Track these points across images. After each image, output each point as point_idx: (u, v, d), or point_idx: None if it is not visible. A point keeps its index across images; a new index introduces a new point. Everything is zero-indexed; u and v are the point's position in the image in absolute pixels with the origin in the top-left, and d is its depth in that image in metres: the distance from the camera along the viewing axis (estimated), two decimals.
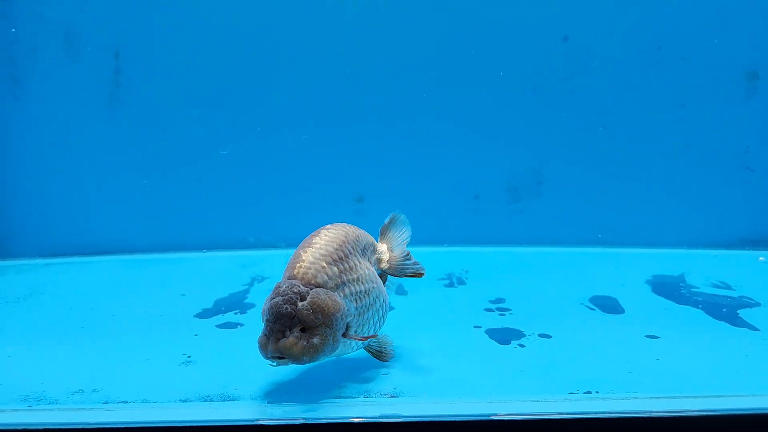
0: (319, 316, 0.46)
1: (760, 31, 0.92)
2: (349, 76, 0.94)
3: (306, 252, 0.49)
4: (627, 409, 0.46)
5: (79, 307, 0.72)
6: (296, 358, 0.45)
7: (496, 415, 0.45)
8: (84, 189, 0.95)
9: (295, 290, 0.46)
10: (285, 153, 0.96)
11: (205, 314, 0.69)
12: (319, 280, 0.48)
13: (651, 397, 0.47)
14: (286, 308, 0.45)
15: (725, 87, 0.95)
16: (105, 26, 0.90)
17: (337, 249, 0.50)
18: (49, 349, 0.59)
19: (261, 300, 0.73)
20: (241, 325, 0.66)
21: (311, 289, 0.47)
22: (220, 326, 0.66)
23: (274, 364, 0.47)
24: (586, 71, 0.94)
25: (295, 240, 1.01)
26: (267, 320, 0.46)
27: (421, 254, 0.99)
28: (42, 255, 0.95)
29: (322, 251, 0.49)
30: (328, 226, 0.54)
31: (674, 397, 0.47)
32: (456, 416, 0.45)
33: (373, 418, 0.45)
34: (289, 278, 0.47)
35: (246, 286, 0.80)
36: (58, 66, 0.91)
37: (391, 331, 0.63)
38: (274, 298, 0.46)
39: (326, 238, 0.51)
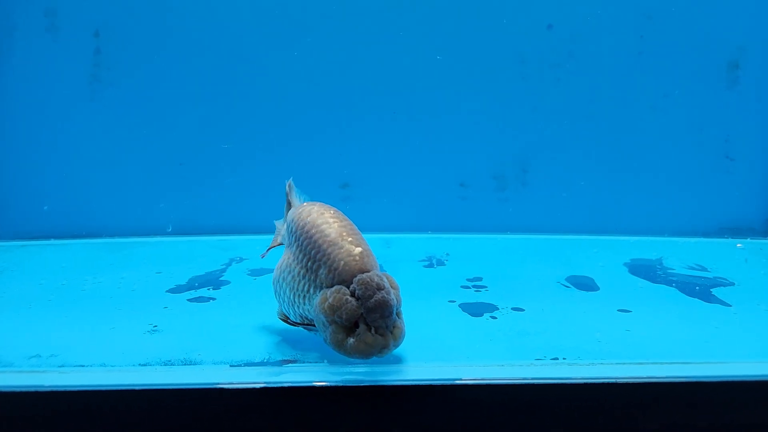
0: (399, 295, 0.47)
1: (740, 21, 0.93)
2: (335, 65, 0.93)
3: (350, 242, 0.47)
4: (592, 375, 0.45)
5: (50, 283, 0.71)
6: (399, 344, 0.45)
7: (461, 379, 0.45)
8: (64, 172, 0.94)
9: (384, 281, 0.45)
10: (271, 138, 0.96)
11: (177, 290, 0.68)
12: (375, 263, 0.47)
13: (617, 363, 0.47)
14: (391, 299, 0.45)
15: (707, 77, 0.95)
16: (85, 4, 0.89)
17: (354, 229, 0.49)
18: (11, 320, 0.58)
19: (237, 278, 0.74)
20: (213, 299, 0.65)
21: (384, 274, 0.47)
22: (191, 300, 0.65)
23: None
24: (572, 60, 0.95)
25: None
26: (380, 317, 0.44)
27: (405, 240, 1.00)
28: (19, 238, 0.94)
29: (357, 235, 0.48)
30: (318, 209, 0.50)
31: (640, 363, 0.47)
32: (422, 380, 0.45)
33: (335, 382, 0.44)
34: (354, 275, 0.45)
35: (224, 266, 0.79)
36: (37, 45, 0.90)
37: None
38: (375, 294, 0.44)
39: (341, 222, 0.48)
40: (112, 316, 0.59)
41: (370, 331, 0.44)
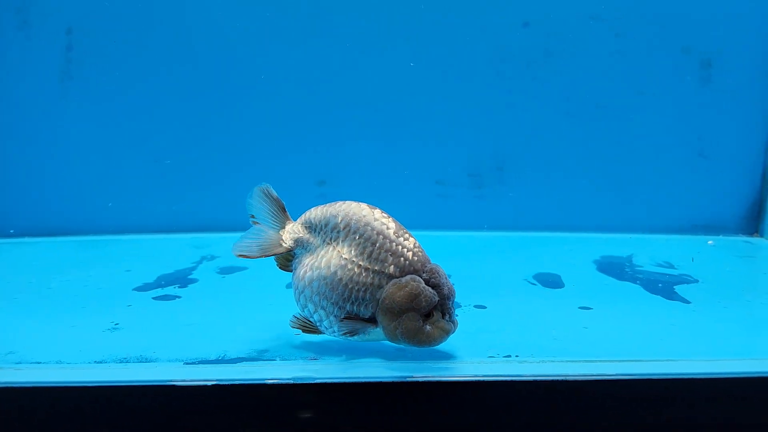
0: None
1: (713, 20, 0.93)
2: (311, 61, 0.94)
3: (409, 235, 0.49)
4: (541, 373, 0.46)
5: (18, 282, 0.71)
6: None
7: (412, 377, 0.45)
8: (35, 169, 0.93)
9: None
10: (247, 136, 0.96)
11: (144, 288, 0.68)
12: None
13: (566, 361, 0.48)
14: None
15: (680, 75, 0.95)
16: (56, 1, 0.89)
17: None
18: None
19: (205, 277, 0.74)
20: (179, 297, 0.65)
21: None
22: (156, 298, 0.65)
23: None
24: (548, 58, 0.95)
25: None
26: (449, 303, 0.47)
27: None
28: None
29: (407, 231, 0.50)
30: (365, 206, 0.50)
31: (588, 361, 0.47)
32: (368, 378, 0.45)
33: (287, 379, 0.45)
34: (424, 264, 0.48)
35: (194, 264, 0.79)
36: (8, 42, 0.90)
37: None
38: (446, 282, 0.47)
39: (391, 218, 0.50)
40: (75, 314, 0.59)
41: (444, 317, 0.47)
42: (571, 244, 0.92)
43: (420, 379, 0.45)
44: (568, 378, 0.45)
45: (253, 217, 0.52)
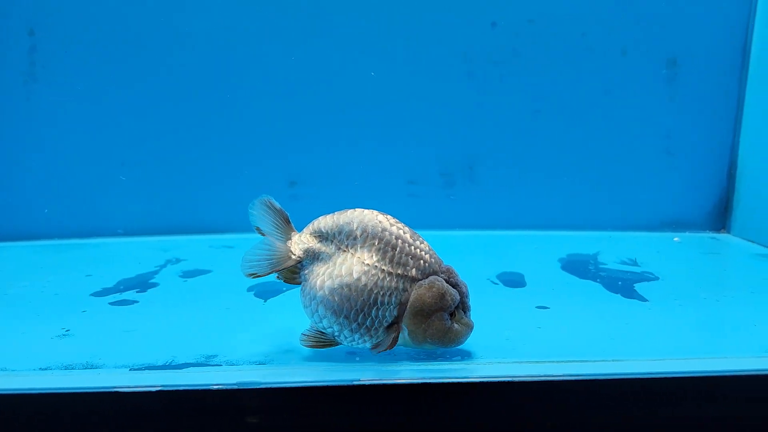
0: None
1: (678, 19, 0.94)
2: (283, 64, 0.93)
3: (422, 241, 0.50)
4: (492, 374, 0.46)
5: None
6: None
7: (359, 380, 0.45)
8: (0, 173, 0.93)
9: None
10: (215, 136, 0.95)
11: (103, 293, 0.68)
12: None
13: (514, 362, 0.48)
14: None
15: (647, 74, 0.96)
16: (18, 2, 0.88)
17: None
18: None
19: (166, 281, 0.73)
20: (136, 302, 0.65)
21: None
22: (113, 303, 0.64)
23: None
24: (516, 58, 0.95)
25: (225, 226, 1.00)
26: (468, 301, 0.50)
27: None
28: None
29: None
30: (378, 214, 0.50)
31: (537, 362, 0.48)
32: (315, 382, 0.45)
33: (232, 385, 0.44)
34: (440, 265, 0.50)
35: (157, 268, 0.78)
36: None
37: (286, 307, 0.63)
38: (460, 280, 0.50)
39: (402, 224, 0.50)
40: (27, 320, 0.59)
41: (466, 314, 0.49)
42: (540, 242, 0.92)
43: (366, 383, 0.45)
44: (515, 379, 0.45)
45: (259, 229, 0.50)
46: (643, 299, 0.64)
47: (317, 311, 0.48)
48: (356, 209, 0.50)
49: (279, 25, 0.92)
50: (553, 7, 0.94)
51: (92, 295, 0.67)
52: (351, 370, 0.47)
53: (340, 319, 0.47)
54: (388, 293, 0.47)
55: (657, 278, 0.72)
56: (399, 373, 0.46)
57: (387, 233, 0.48)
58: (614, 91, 0.97)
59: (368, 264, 0.47)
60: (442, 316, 0.47)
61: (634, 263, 0.79)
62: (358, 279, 0.47)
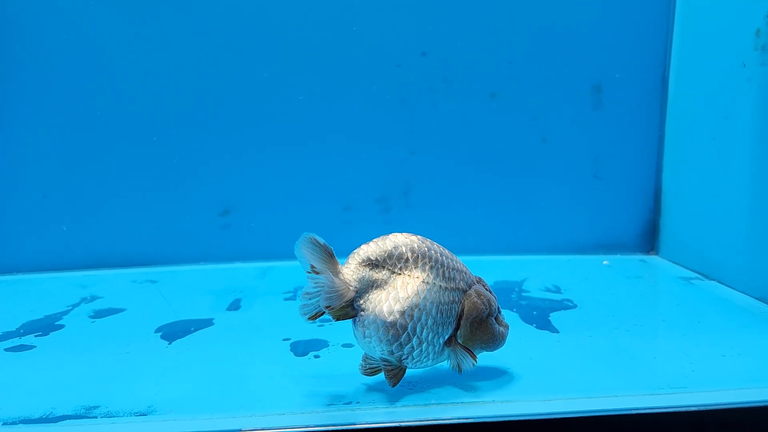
0: None
1: (601, 47, 0.97)
2: (212, 88, 0.92)
3: (455, 256, 0.53)
4: (375, 420, 0.44)
5: None
6: None
7: (241, 430, 0.43)
8: None
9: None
10: (142, 164, 0.93)
11: (2, 337, 0.64)
12: None
13: (389, 408, 0.47)
14: None
15: (573, 100, 0.98)
16: None
17: None
18: None
19: (74, 322, 0.69)
20: (34, 347, 0.61)
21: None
22: (9, 349, 0.61)
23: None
24: (446, 84, 0.96)
25: (150, 259, 0.97)
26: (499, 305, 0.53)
27: (284, 268, 0.98)
28: None
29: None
30: (417, 236, 0.51)
31: (419, 406, 0.47)
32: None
33: None
34: (473, 275, 0.53)
35: (69, 307, 0.75)
36: None
37: (191, 349, 0.61)
38: (490, 287, 0.53)
39: (434, 242, 0.52)
40: None
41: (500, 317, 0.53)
42: (473, 267, 0.91)
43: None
44: (409, 425, 0.44)
45: (313, 267, 0.47)
46: (555, 330, 0.64)
47: (387, 338, 0.48)
48: (394, 234, 0.51)
49: (209, 51, 0.91)
50: (480, 36, 0.95)
51: None
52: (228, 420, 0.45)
53: (412, 340, 0.48)
54: (447, 307, 0.50)
55: (575, 306, 0.72)
56: (280, 420, 0.45)
57: (431, 251, 0.50)
58: (542, 117, 0.98)
59: (428, 282, 0.49)
60: (492, 321, 0.51)
61: (558, 290, 0.79)
62: (425, 297, 0.48)
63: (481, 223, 0.99)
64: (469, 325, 0.50)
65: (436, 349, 0.49)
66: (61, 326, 0.68)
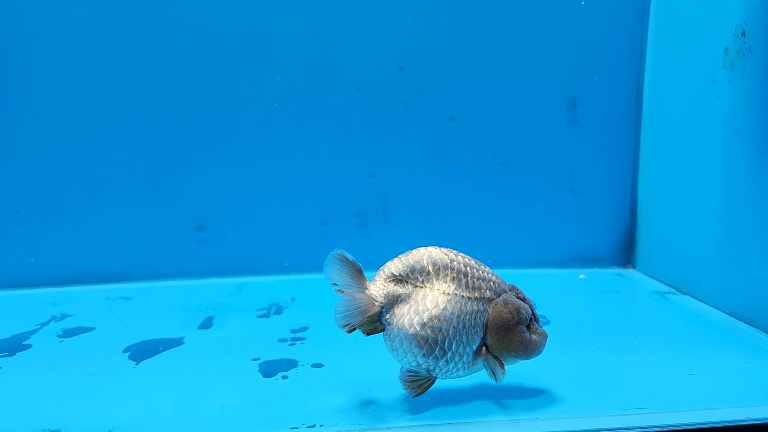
0: None
1: (575, 63, 0.98)
2: (189, 101, 0.91)
3: (484, 265, 0.53)
4: None
5: None
6: None
7: None
8: None
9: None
10: (116, 179, 0.92)
11: None
12: None
13: (369, 430, 0.46)
14: None
15: (549, 115, 0.99)
16: None
17: None
18: None
19: (42, 342, 0.68)
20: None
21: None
22: None
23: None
24: (423, 99, 0.96)
25: (124, 275, 0.96)
26: (536, 312, 0.52)
27: (260, 284, 0.98)
28: None
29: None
30: (438, 248, 0.52)
31: (391, 428, 0.46)
32: None
33: None
34: (505, 283, 0.53)
35: (38, 326, 0.74)
36: None
37: (159, 369, 0.60)
38: (525, 295, 0.53)
39: (460, 253, 0.53)
40: None
41: (538, 324, 0.52)
42: None
43: None
44: None
45: (335, 285, 0.50)
46: None
47: (411, 350, 0.49)
48: (418, 248, 0.52)
49: (185, 67, 0.91)
50: (457, 52, 0.96)
51: None
52: None
53: (435, 351, 0.49)
54: (471, 316, 0.50)
55: (548, 322, 0.72)
56: None
57: (455, 263, 0.51)
58: (519, 131, 0.99)
59: (448, 293, 0.49)
60: (521, 330, 0.50)
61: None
62: (444, 308, 0.49)
63: (458, 237, 1.00)
64: (494, 333, 0.50)
65: (465, 358, 0.50)
66: (29, 346, 0.67)
